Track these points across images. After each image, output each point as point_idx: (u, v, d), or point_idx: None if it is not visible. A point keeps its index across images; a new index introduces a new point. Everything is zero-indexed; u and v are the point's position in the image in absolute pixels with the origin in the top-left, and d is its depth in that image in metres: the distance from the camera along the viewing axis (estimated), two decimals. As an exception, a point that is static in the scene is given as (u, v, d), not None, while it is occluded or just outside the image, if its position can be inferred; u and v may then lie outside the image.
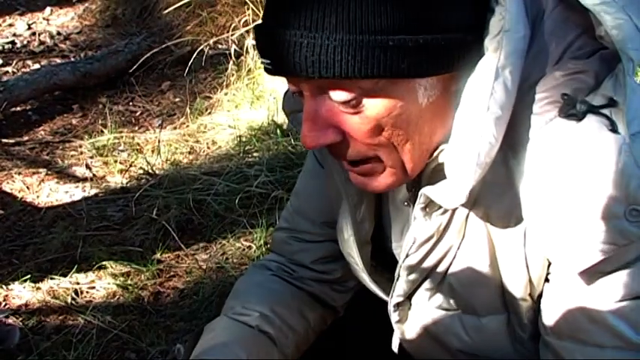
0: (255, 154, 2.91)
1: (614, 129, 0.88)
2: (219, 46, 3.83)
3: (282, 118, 3.03)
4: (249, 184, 2.65)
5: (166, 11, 3.87)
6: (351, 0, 0.86)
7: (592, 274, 0.94)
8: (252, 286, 1.35)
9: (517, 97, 0.92)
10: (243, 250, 2.44)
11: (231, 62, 3.49)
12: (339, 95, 0.91)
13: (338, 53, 0.87)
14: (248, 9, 3.56)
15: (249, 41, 3.44)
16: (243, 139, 3.03)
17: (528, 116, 0.92)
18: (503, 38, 0.90)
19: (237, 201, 2.58)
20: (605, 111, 0.88)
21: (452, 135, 0.94)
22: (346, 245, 1.20)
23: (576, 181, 0.88)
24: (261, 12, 3.45)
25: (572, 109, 0.89)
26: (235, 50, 3.47)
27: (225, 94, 3.50)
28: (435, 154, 0.99)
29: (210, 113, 3.40)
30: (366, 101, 0.92)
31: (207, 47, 3.70)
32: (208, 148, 3.10)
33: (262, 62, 0.95)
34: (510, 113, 0.91)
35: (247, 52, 3.46)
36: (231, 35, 3.55)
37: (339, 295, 1.36)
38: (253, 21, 3.49)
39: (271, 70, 0.93)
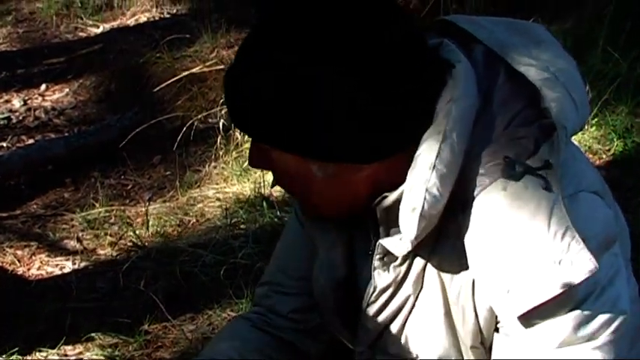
0: (242, 227, 2.98)
1: (548, 187, 0.99)
2: (209, 120, 3.93)
3: (268, 191, 3.11)
4: (234, 255, 2.71)
5: (158, 88, 3.99)
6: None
7: (530, 320, 1.01)
8: (225, 337, 1.44)
9: (466, 162, 1.03)
10: (230, 320, 2.47)
11: (220, 136, 3.59)
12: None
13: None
14: (237, 85, 3.67)
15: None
16: (231, 211, 3.10)
17: (475, 177, 1.02)
18: (453, 105, 1.03)
19: (222, 272, 2.64)
20: (541, 172, 1.00)
21: (404, 191, 1.04)
22: (321, 291, 1.27)
23: (513, 233, 0.99)
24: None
25: (512, 170, 1.00)
26: (224, 124, 3.56)
27: (215, 167, 3.58)
28: (377, 200, 1.08)
29: (199, 186, 3.47)
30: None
31: (198, 121, 3.80)
32: (197, 220, 3.16)
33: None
34: (457, 173, 1.02)
35: (236, 126, 3.55)
36: (221, 110, 3.66)
37: (314, 344, 1.41)
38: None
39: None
